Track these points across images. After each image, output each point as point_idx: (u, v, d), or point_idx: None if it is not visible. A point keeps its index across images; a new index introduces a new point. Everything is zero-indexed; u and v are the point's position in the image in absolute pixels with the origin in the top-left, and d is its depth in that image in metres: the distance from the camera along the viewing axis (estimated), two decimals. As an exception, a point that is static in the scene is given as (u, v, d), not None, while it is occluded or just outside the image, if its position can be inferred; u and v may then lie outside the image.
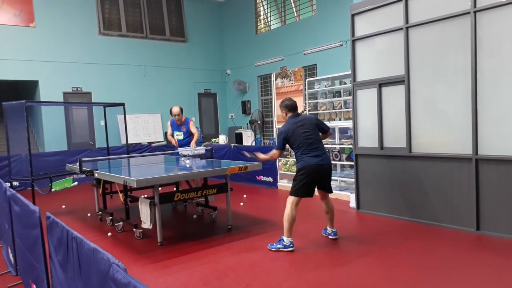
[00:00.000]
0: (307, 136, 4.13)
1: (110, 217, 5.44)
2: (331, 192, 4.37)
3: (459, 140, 4.51)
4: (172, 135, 6.76)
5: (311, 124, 4.23)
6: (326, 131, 4.39)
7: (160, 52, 11.94)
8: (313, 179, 4.11)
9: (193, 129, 6.61)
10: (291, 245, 4.05)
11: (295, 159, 4.31)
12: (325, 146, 6.74)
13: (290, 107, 4.33)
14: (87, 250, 1.66)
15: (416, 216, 4.96)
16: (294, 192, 4.13)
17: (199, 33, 12.81)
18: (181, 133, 6.68)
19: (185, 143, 6.67)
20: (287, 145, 4.28)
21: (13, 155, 7.77)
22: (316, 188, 4.24)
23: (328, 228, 4.50)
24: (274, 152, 4.33)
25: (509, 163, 4.12)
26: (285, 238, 4.06)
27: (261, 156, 4.48)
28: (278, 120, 9.42)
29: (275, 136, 8.05)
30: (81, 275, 1.78)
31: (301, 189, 4.10)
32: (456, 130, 4.55)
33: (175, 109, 6.61)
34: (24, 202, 2.70)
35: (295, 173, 4.23)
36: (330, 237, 4.45)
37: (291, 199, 4.11)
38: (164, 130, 11.54)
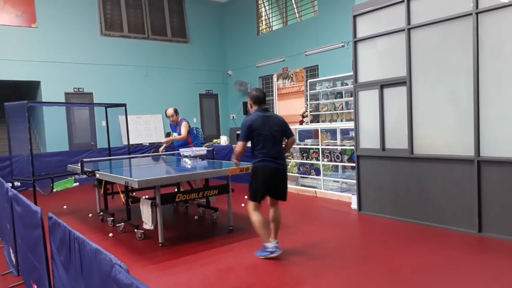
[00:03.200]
0: (272, 135, 3.82)
1: (112, 218, 5.44)
2: (285, 200, 4.04)
3: (461, 142, 4.50)
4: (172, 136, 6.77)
5: (279, 125, 3.92)
6: (290, 137, 4.06)
7: (162, 53, 11.95)
8: (264, 182, 3.83)
9: (183, 130, 6.53)
10: (277, 249, 3.85)
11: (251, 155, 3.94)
12: (326, 147, 6.78)
13: (257, 98, 3.95)
14: (89, 251, 1.66)
15: (418, 217, 4.95)
16: (250, 196, 3.89)
17: (201, 34, 12.81)
18: (177, 134, 6.68)
19: (181, 144, 6.65)
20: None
21: (15, 155, 7.77)
22: (273, 195, 3.96)
23: (271, 238, 3.96)
24: (238, 143, 3.88)
25: (511, 164, 4.10)
26: (267, 244, 3.86)
27: (233, 157, 4.04)
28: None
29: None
30: (83, 275, 1.78)
31: (255, 192, 3.85)
32: (458, 131, 4.54)
33: (168, 111, 6.60)
34: (25, 203, 2.70)
35: (251, 173, 3.93)
36: (267, 253, 3.93)
37: (250, 205, 3.89)
38: (166, 131, 11.57)
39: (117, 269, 1.35)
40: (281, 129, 3.96)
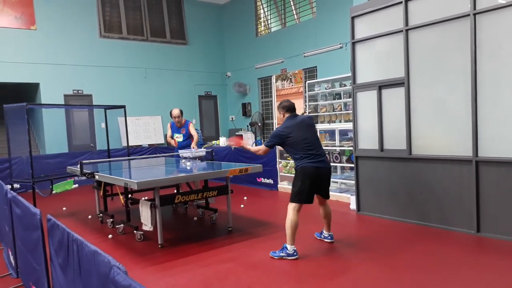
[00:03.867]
0: (305, 139, 4.01)
1: (111, 219, 5.45)
2: (328, 198, 4.26)
3: (459, 142, 4.51)
4: (172, 137, 6.78)
5: (309, 126, 4.13)
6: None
7: (161, 54, 11.97)
8: (312, 183, 3.97)
9: (193, 131, 6.64)
10: (295, 253, 3.90)
11: (294, 162, 4.18)
12: (325, 148, 6.78)
13: (288, 108, 4.21)
14: (87, 253, 1.67)
15: (416, 218, 4.96)
16: (295, 198, 3.98)
17: (200, 36, 12.83)
18: (181, 135, 6.70)
19: (184, 145, 6.68)
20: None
21: (14, 157, 7.76)
22: (318, 192, 4.15)
23: (324, 231, 4.45)
24: (262, 148, 4.22)
25: (509, 165, 4.12)
26: (288, 246, 3.92)
27: (248, 146, 4.45)
28: (279, 122, 9.43)
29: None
30: (82, 277, 1.78)
31: (301, 195, 3.96)
32: (456, 132, 4.55)
33: (175, 111, 6.63)
34: (25, 205, 2.70)
35: (294, 177, 4.11)
36: (326, 240, 4.42)
37: (292, 205, 3.97)
38: (165, 132, 11.57)
39: (115, 271, 1.36)
40: (312, 128, 4.18)
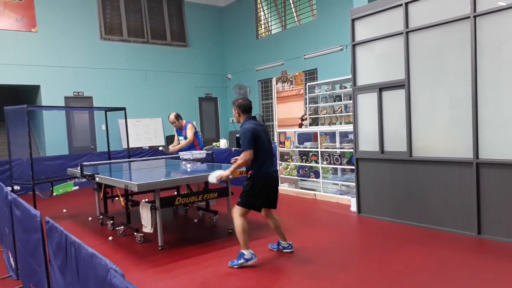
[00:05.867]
0: (264, 145, 3.86)
1: (111, 221, 5.44)
2: (276, 207, 4.05)
3: (459, 144, 4.50)
4: (178, 141, 6.78)
5: (267, 133, 4.01)
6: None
7: (161, 56, 11.98)
8: (264, 191, 3.86)
9: (188, 133, 6.56)
10: (254, 256, 3.78)
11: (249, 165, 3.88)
12: (325, 150, 6.78)
13: (245, 107, 3.95)
14: (85, 255, 1.66)
15: (417, 220, 4.95)
16: (244, 203, 3.80)
17: (200, 38, 12.85)
18: (183, 137, 6.69)
19: (187, 148, 6.67)
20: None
21: (14, 159, 7.77)
22: (266, 204, 3.98)
23: (282, 242, 4.17)
24: (246, 153, 3.73)
25: (510, 167, 4.11)
26: (245, 252, 3.76)
27: (232, 167, 3.89)
28: (279, 124, 9.43)
29: (275, 140, 8.07)
30: (80, 280, 1.78)
31: (254, 200, 3.81)
32: (456, 134, 4.55)
33: (170, 117, 6.59)
34: (25, 207, 2.70)
35: (248, 181, 3.86)
36: (285, 251, 4.15)
37: (239, 210, 3.80)
38: (165, 134, 11.58)
39: (112, 274, 1.36)
40: (269, 138, 4.05)
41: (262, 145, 3.84)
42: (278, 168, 4.05)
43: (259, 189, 3.84)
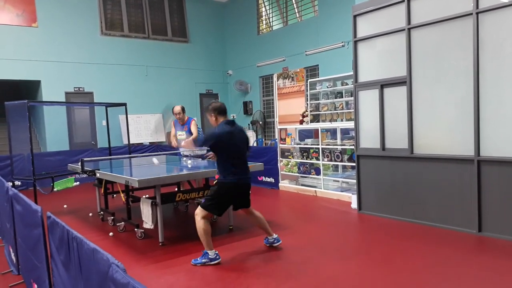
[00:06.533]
0: (237, 151, 3.88)
1: (112, 217, 5.45)
2: (249, 206, 4.13)
3: (461, 142, 4.49)
4: (176, 135, 6.75)
5: (243, 139, 4.02)
6: (247, 151, 4.14)
7: (162, 52, 11.96)
8: (230, 198, 3.92)
9: (193, 128, 6.57)
10: (217, 256, 3.81)
11: (216, 168, 4.00)
12: (326, 147, 6.78)
13: (220, 110, 3.93)
14: (87, 250, 1.67)
15: (417, 217, 4.95)
16: (207, 206, 3.84)
17: (201, 34, 12.82)
18: (184, 132, 6.67)
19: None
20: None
21: (15, 154, 7.78)
22: (236, 206, 4.10)
23: (268, 237, 4.22)
24: (198, 146, 4.22)
25: (511, 164, 4.10)
26: (209, 252, 3.80)
27: (187, 140, 4.44)
28: (280, 120, 9.42)
29: (276, 136, 8.06)
30: (82, 275, 1.78)
31: (215, 206, 3.85)
32: (458, 131, 4.54)
33: (177, 108, 6.59)
34: (26, 202, 2.70)
35: (214, 185, 3.92)
36: (274, 245, 4.19)
37: (201, 213, 3.84)
38: (167, 131, 11.57)
39: (114, 269, 1.36)
40: (245, 143, 4.07)
41: (231, 152, 3.85)
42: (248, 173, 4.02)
43: (222, 197, 3.87)
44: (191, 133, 6.65)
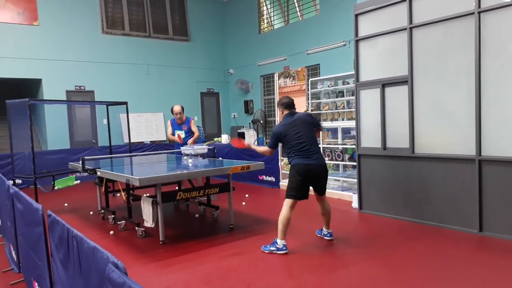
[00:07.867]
0: (298, 137, 4.06)
1: (112, 216, 5.45)
2: (323, 194, 4.27)
3: (462, 141, 4.49)
4: (173, 134, 6.76)
5: (305, 124, 4.15)
6: (319, 128, 4.41)
7: (163, 51, 11.94)
8: (303, 180, 4.02)
9: (194, 127, 6.63)
10: (284, 247, 3.98)
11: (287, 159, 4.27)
12: (327, 146, 6.77)
13: (287, 104, 4.29)
14: (87, 249, 1.66)
15: (418, 217, 4.94)
16: (289, 195, 4.05)
17: (202, 32, 12.80)
18: (182, 132, 6.68)
19: (186, 142, 6.67)
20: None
21: (16, 153, 7.78)
22: (313, 189, 4.21)
23: (324, 229, 4.47)
24: (266, 149, 4.33)
25: (512, 164, 4.10)
26: (278, 241, 3.99)
27: (254, 146, 4.63)
28: (280, 120, 9.46)
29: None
30: (82, 273, 1.78)
31: (293, 191, 4.03)
32: (459, 131, 4.53)
33: (177, 108, 6.60)
34: (27, 200, 2.70)
35: (289, 173, 4.17)
36: (325, 238, 4.42)
37: (287, 202, 4.04)
38: (166, 130, 11.56)
39: (110, 268, 1.34)
40: (309, 126, 4.18)
41: (294, 140, 4.07)
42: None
43: (295, 181, 4.02)
44: (190, 132, 6.66)
